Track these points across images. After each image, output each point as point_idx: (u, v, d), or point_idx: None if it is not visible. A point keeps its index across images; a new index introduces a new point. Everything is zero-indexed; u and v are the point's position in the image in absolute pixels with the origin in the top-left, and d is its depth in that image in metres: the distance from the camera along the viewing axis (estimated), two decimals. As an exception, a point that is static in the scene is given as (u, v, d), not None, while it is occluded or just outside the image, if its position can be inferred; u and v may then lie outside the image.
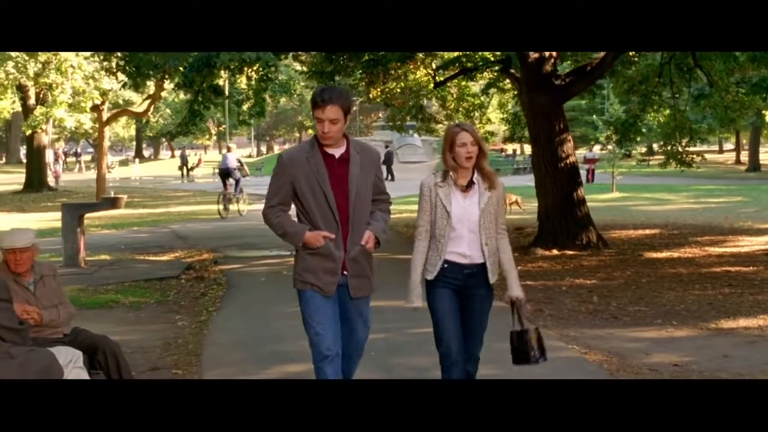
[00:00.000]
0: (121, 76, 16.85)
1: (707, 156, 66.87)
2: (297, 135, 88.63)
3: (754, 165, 52.26)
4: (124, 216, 23.14)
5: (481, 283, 5.11)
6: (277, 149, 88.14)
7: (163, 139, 74.05)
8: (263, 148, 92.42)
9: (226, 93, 25.84)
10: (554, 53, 14.44)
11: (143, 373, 6.96)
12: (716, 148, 75.53)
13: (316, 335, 4.87)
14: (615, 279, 11.69)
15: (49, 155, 42.05)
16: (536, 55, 14.28)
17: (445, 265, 5.06)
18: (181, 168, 51.12)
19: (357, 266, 4.96)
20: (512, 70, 16.12)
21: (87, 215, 19.58)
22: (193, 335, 8.39)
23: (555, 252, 14.13)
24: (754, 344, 7.94)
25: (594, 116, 30.97)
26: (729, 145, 74.98)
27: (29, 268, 5.68)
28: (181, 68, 8.52)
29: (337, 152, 4.91)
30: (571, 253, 14.06)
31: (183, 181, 48.96)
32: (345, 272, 4.92)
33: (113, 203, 13.02)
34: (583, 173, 36.30)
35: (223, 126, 41.58)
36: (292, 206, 5.04)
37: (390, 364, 7.00)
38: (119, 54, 9.83)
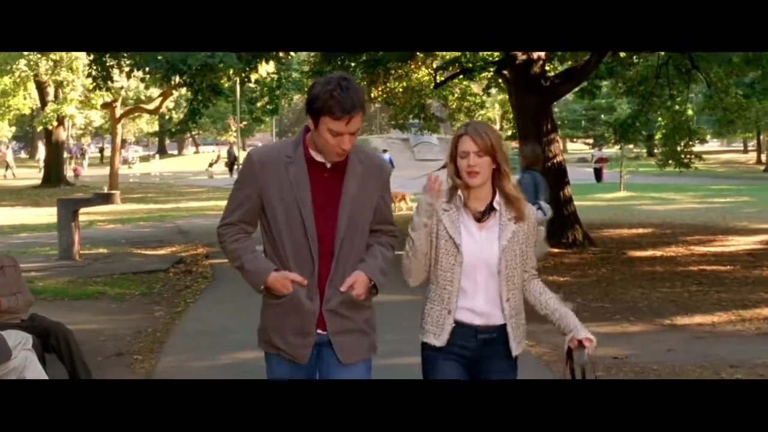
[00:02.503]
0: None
1: (731, 156, 67.46)
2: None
3: (772, 165, 52.19)
4: (134, 211, 23.74)
5: (501, 355, 3.70)
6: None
7: (188, 135, 74.88)
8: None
9: (238, 92, 26.46)
10: (542, 56, 14.74)
11: (108, 357, 7.42)
12: (740, 147, 75.39)
13: None
14: (588, 276, 12.01)
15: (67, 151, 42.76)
16: (524, 57, 14.59)
17: (455, 327, 3.64)
18: (230, 166, 50.76)
19: (341, 321, 3.54)
20: (505, 72, 16.43)
21: (97, 210, 20.37)
22: (164, 324, 8.85)
23: (540, 250, 14.40)
24: (701, 339, 8.25)
25: (602, 116, 31.18)
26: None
27: (-11, 260, 6.14)
28: (160, 70, 8.94)
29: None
30: (555, 251, 14.33)
31: (230, 176, 48.98)
32: (322, 330, 3.54)
33: (106, 199, 13.50)
34: (583, 171, 36.62)
35: (245, 123, 42.41)
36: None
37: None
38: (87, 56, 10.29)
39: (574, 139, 77.63)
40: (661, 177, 37.58)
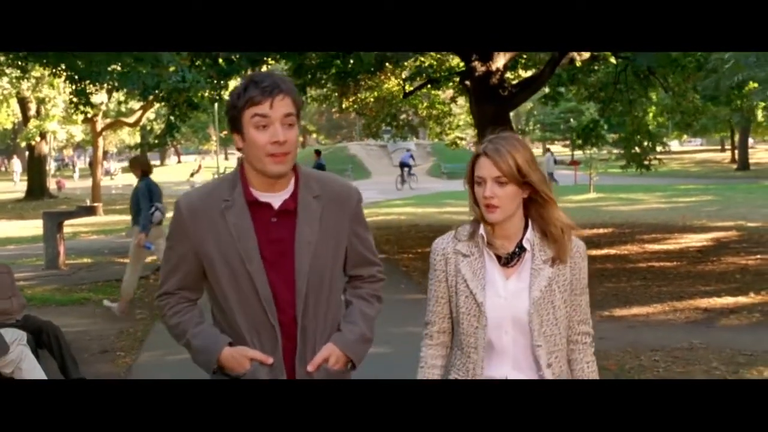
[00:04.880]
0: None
1: (708, 155, 68.35)
2: (301, 139, 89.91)
3: (743, 164, 53.24)
4: (116, 222, 24.45)
5: None
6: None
7: (169, 145, 75.64)
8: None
9: (216, 104, 27.22)
10: (500, 67, 15.59)
11: (94, 354, 8.24)
12: (718, 147, 76.71)
13: None
14: (542, 274, 12.82)
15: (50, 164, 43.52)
16: (483, 68, 15.43)
17: None
18: None
19: None
20: (467, 82, 17.28)
21: (81, 222, 21.14)
22: (144, 325, 9.67)
23: (499, 251, 15.22)
24: (633, 329, 9.07)
25: (571, 120, 32.20)
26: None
27: (-15, 268, 6.96)
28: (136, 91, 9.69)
29: (277, 198, 2.83)
30: (514, 251, 15.15)
31: None
32: None
33: (89, 211, 14.25)
34: (559, 174, 37.74)
35: (225, 132, 43.49)
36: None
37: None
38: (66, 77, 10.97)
39: (554, 142, 78.75)
40: (631, 178, 38.56)
